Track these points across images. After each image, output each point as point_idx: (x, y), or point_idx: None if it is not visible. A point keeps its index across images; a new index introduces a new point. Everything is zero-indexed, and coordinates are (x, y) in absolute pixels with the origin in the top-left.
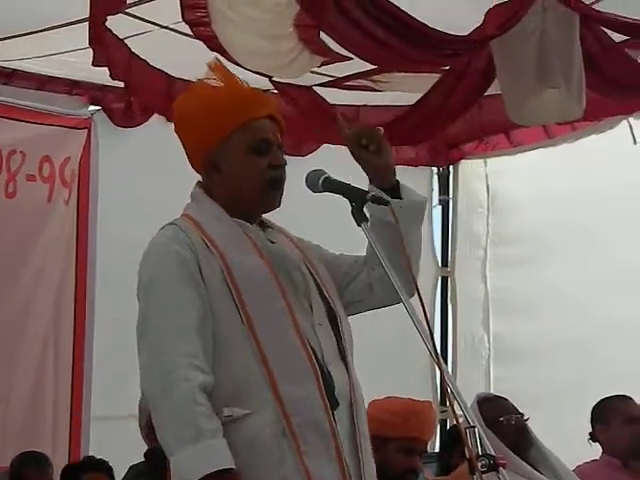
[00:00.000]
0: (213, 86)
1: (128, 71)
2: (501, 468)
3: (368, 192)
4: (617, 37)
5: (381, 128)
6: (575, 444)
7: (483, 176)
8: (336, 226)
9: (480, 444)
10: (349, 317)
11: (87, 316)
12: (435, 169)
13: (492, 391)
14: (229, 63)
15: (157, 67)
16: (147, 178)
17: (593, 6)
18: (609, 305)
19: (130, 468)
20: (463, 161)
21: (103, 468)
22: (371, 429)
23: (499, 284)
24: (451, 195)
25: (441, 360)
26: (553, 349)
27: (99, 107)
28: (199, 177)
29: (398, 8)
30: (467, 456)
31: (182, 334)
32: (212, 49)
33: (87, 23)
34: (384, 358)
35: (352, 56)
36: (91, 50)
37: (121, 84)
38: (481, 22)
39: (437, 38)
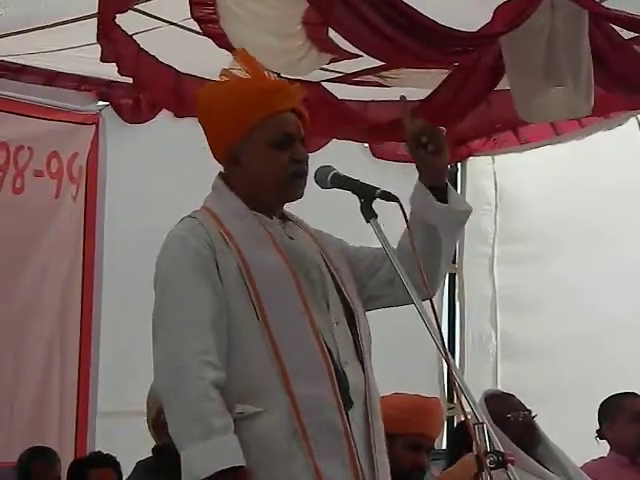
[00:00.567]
0: (239, 77)
1: (136, 67)
2: (509, 465)
3: (377, 188)
4: (626, 34)
5: (444, 128)
6: (582, 441)
7: (491, 173)
8: (345, 222)
9: (489, 440)
10: (367, 312)
11: (94, 312)
12: None
13: (499, 388)
14: None
15: (166, 63)
16: (155, 174)
17: (602, 3)
18: (616, 302)
19: (137, 464)
20: (471, 158)
21: (110, 463)
22: None
23: (507, 281)
24: (459, 192)
25: (450, 356)
26: (561, 346)
27: (107, 103)
28: (208, 172)
29: (407, 4)
30: (475, 453)
31: (196, 330)
32: (220, 46)
33: (95, 18)
34: (392, 354)
35: (360, 53)
36: (99, 46)
37: (129, 80)
38: (490, 19)
39: (446, 34)
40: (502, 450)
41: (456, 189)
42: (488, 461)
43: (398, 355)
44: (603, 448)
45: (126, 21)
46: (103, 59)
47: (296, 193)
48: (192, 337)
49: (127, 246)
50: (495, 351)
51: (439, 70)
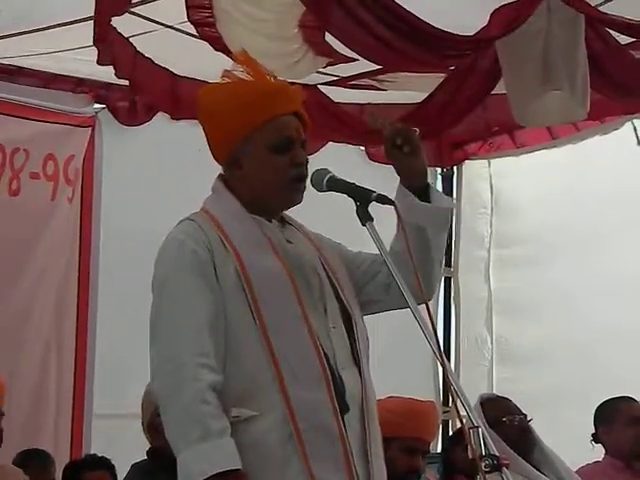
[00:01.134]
0: (240, 79)
1: (133, 69)
2: (504, 468)
3: (373, 191)
4: (622, 39)
5: (417, 129)
6: (577, 445)
7: (487, 177)
8: (342, 225)
9: (484, 444)
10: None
11: (90, 314)
12: (439, 169)
13: (495, 392)
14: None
15: (162, 66)
16: (151, 176)
17: (599, 7)
18: (610, 308)
19: (132, 466)
20: (467, 162)
21: (105, 466)
22: None
23: (502, 285)
24: (455, 195)
25: (445, 360)
26: (556, 350)
27: (104, 105)
28: (205, 175)
29: (403, 8)
30: (471, 456)
31: (194, 333)
32: (217, 49)
33: (92, 21)
34: (387, 358)
35: (357, 57)
36: (96, 48)
37: (126, 82)
38: (486, 22)
39: (442, 38)
40: (497, 454)
41: (452, 192)
42: (483, 465)
43: (393, 358)
44: (597, 452)
45: (122, 24)
46: (100, 62)
47: (296, 197)
48: (190, 340)
49: (123, 248)
50: (490, 355)
51: (435, 74)
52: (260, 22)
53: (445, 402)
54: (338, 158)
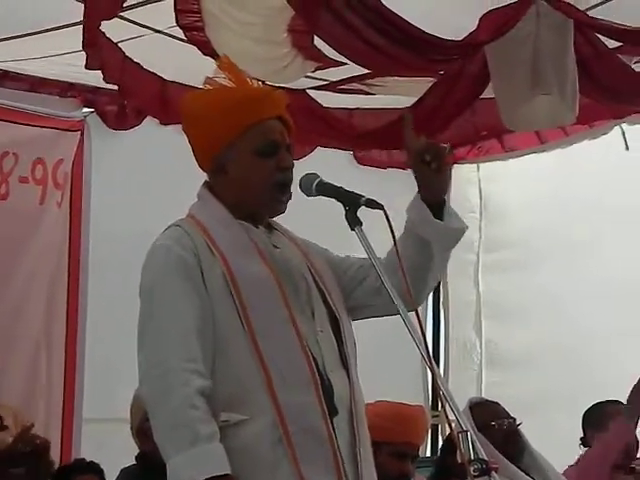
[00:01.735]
0: (224, 85)
1: (122, 74)
2: (493, 472)
3: (362, 196)
4: (611, 43)
5: (447, 146)
6: (566, 449)
7: (476, 181)
8: (331, 230)
9: (473, 448)
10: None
11: (79, 319)
12: None
13: (484, 396)
14: None
15: (151, 71)
16: (140, 180)
17: (587, 12)
18: (599, 312)
19: (121, 471)
20: (456, 165)
21: (94, 470)
22: None
23: (491, 289)
24: None
25: (434, 364)
26: (544, 354)
27: (92, 109)
28: (194, 179)
29: (393, 12)
30: (460, 460)
31: (182, 338)
32: (205, 54)
33: (81, 26)
34: (376, 362)
35: (346, 61)
36: (85, 53)
37: (114, 87)
38: (475, 27)
39: (431, 43)
40: (486, 458)
41: None
42: (472, 469)
43: (382, 363)
44: None
45: (111, 28)
46: (88, 66)
47: (281, 201)
48: (178, 345)
49: (112, 252)
50: (479, 359)
51: (424, 78)
52: (248, 26)
53: (434, 406)
54: (326, 162)
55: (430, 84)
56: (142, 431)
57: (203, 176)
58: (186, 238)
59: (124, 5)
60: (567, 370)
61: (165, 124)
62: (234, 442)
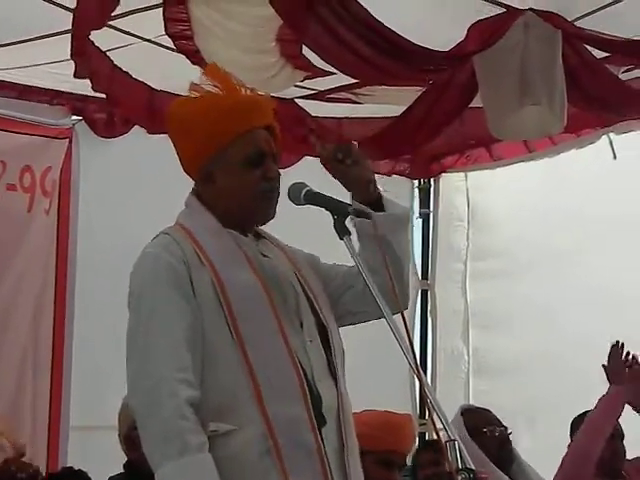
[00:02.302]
0: (212, 92)
1: (110, 83)
2: None
3: (350, 205)
4: (598, 54)
5: (355, 142)
6: (554, 457)
7: (464, 190)
8: (319, 239)
9: (460, 458)
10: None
11: (66, 327)
12: (416, 182)
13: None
14: None
15: (139, 79)
16: (128, 188)
17: (575, 23)
18: (585, 320)
19: (109, 479)
20: (444, 174)
21: (82, 478)
22: None
23: (479, 298)
24: (431, 208)
25: (421, 372)
26: (532, 362)
27: (80, 117)
28: (182, 187)
29: (380, 23)
30: (447, 469)
31: (171, 347)
32: (194, 63)
33: (69, 34)
34: (363, 370)
35: (334, 71)
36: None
37: (103, 95)
38: (463, 37)
39: (419, 53)
40: (474, 467)
41: (429, 205)
42: (460, 478)
43: (370, 371)
44: None
45: (100, 37)
46: (77, 75)
47: (268, 210)
48: (167, 354)
49: (100, 260)
50: (467, 367)
51: (413, 87)
52: (237, 35)
53: (422, 415)
54: (315, 171)
55: (419, 93)
56: (130, 439)
57: (192, 184)
58: (175, 246)
59: (113, 14)
60: (554, 378)
61: (153, 133)
62: (223, 452)
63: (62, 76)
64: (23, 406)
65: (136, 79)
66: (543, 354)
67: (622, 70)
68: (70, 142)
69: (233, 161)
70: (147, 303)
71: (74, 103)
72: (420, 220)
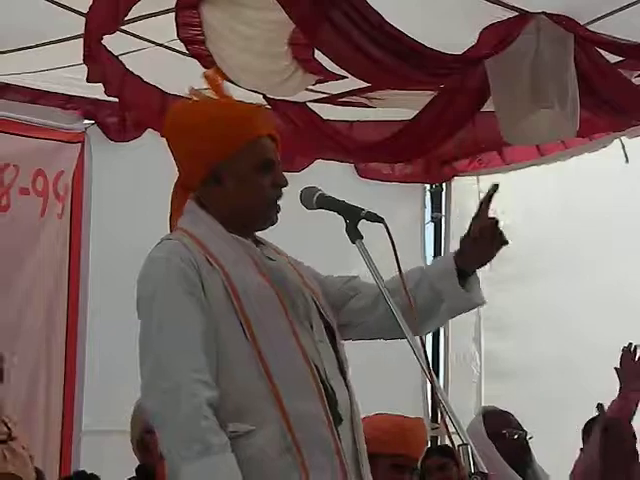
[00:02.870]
0: (216, 99)
1: (122, 87)
2: None
3: (362, 209)
4: (611, 58)
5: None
6: (567, 461)
7: (476, 193)
8: (331, 243)
9: (473, 462)
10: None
11: (79, 331)
12: (428, 186)
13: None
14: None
15: (151, 84)
16: (141, 192)
17: (588, 27)
18: (599, 324)
19: None
20: (456, 178)
21: None
22: None
23: (491, 302)
24: (444, 212)
25: (434, 377)
26: (544, 366)
27: (93, 121)
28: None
29: (392, 26)
30: (458, 475)
31: (186, 349)
32: (206, 67)
33: (82, 39)
34: (376, 374)
35: (346, 74)
36: (85, 66)
37: (115, 98)
38: (475, 41)
39: (431, 57)
40: (486, 471)
41: (441, 209)
42: None
43: (382, 375)
44: None
45: (112, 41)
46: (89, 80)
47: (274, 217)
48: (184, 355)
49: (113, 264)
50: (479, 371)
51: (424, 91)
52: (249, 40)
53: (434, 419)
54: (327, 175)
55: (430, 97)
56: (142, 443)
57: None
58: (183, 249)
59: (125, 19)
60: (567, 382)
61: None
62: (244, 452)
63: (75, 80)
64: (36, 411)
65: (148, 83)
66: (555, 358)
67: (635, 75)
68: (83, 146)
69: (244, 166)
70: (160, 307)
71: (87, 107)
72: (432, 224)
